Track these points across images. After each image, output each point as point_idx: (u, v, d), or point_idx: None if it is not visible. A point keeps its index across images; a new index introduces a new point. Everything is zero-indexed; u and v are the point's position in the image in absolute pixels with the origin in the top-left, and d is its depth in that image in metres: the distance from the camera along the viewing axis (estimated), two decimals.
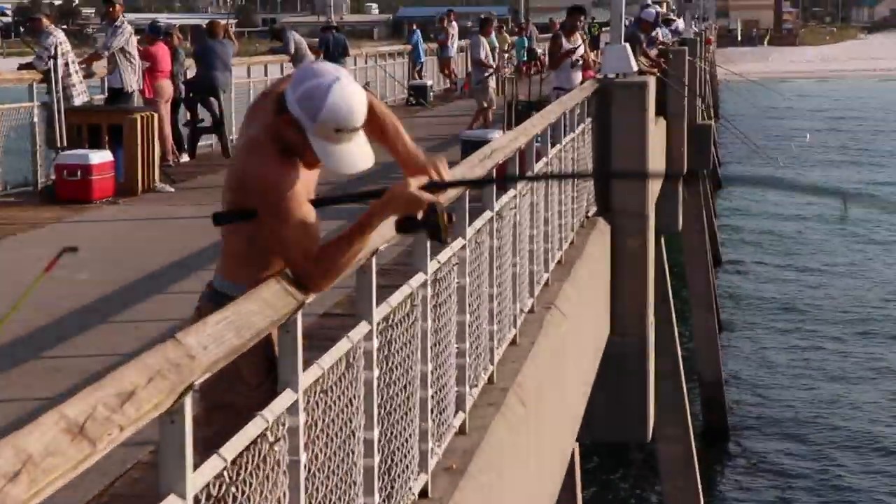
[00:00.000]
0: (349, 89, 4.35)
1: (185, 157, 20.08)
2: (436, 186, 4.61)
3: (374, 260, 5.04)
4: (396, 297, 5.57)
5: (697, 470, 17.66)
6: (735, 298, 35.17)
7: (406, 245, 7.56)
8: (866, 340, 30.88)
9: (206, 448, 3.58)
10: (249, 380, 4.33)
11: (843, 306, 33.93)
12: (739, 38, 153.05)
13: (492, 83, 23.20)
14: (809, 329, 32.09)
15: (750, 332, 31.48)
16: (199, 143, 20.98)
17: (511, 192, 8.79)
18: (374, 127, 4.64)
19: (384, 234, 4.88)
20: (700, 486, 17.59)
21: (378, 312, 5.17)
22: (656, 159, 15.80)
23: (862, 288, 36.08)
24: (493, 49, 25.29)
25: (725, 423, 24.60)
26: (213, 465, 3.44)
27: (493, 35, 26.35)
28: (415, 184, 4.50)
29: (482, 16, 27.55)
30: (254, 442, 3.75)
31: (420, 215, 4.54)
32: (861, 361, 28.87)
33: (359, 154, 4.42)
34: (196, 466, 3.31)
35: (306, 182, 4.44)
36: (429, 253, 6.05)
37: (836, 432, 24.33)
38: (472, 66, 24.00)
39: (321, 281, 4.36)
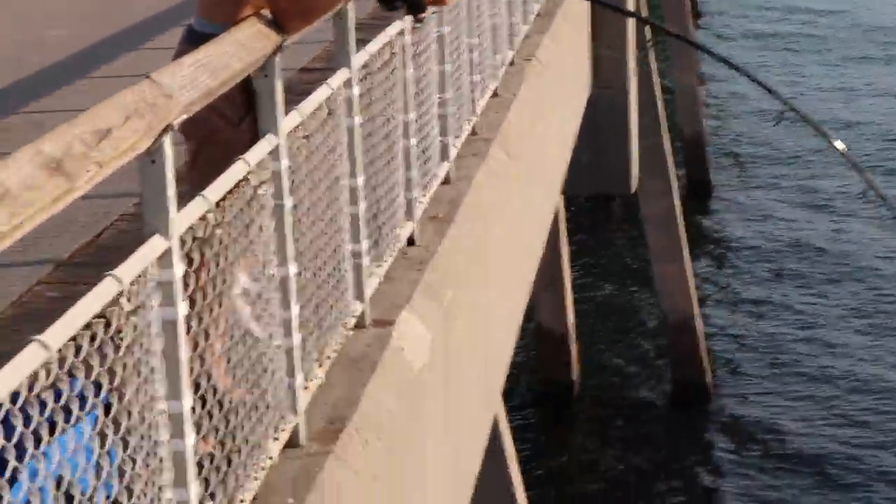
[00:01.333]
0: None
1: None
2: None
3: (351, 5, 4.92)
4: (375, 45, 5.47)
5: (681, 224, 17.69)
6: (719, 39, 34.64)
7: None
8: None
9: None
10: (231, 116, 4.23)
11: None
12: None
13: None
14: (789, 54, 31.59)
15: (734, 83, 30.99)
16: None
17: None
18: None
19: None
20: (684, 240, 17.62)
21: (357, 59, 5.08)
22: None
23: None
24: None
25: (708, 177, 24.64)
26: (197, 206, 3.40)
27: None
28: None
29: None
30: (238, 185, 3.71)
31: None
32: None
33: None
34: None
35: None
36: None
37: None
38: None
39: (300, 20, 4.24)
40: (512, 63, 9.53)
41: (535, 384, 16.62)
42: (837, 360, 17.96)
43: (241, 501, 3.60)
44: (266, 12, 4.18)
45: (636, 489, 15.54)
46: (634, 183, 15.23)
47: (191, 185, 3.84)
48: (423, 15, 4.84)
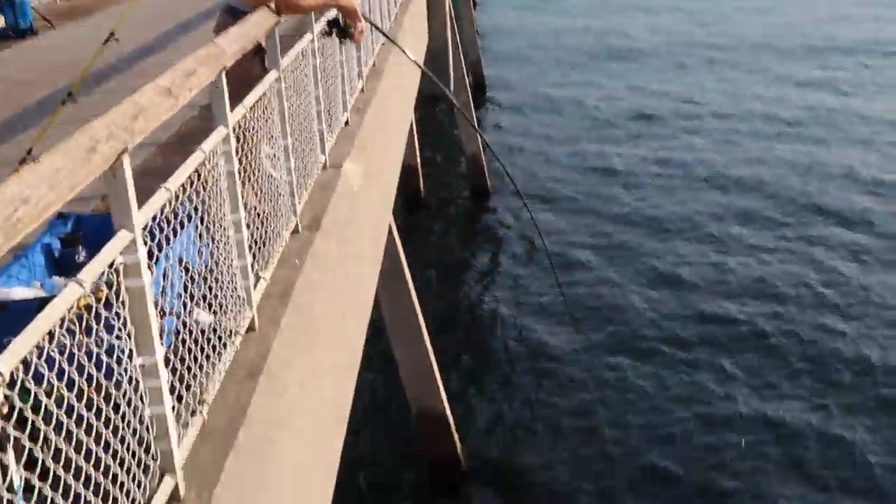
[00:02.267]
0: None
1: None
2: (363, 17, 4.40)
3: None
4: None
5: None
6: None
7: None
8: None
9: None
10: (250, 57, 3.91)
11: None
12: None
13: None
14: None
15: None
16: None
17: None
18: None
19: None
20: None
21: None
22: None
23: None
24: None
25: None
26: (240, 108, 3.15)
27: None
28: (357, 3, 4.25)
29: None
30: (260, 99, 3.43)
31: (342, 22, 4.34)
32: None
33: None
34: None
35: None
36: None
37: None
38: None
39: (290, 12, 3.94)
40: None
41: None
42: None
43: (272, 262, 3.48)
44: (272, 4, 3.86)
45: None
46: None
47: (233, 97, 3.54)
48: (347, 40, 4.54)
